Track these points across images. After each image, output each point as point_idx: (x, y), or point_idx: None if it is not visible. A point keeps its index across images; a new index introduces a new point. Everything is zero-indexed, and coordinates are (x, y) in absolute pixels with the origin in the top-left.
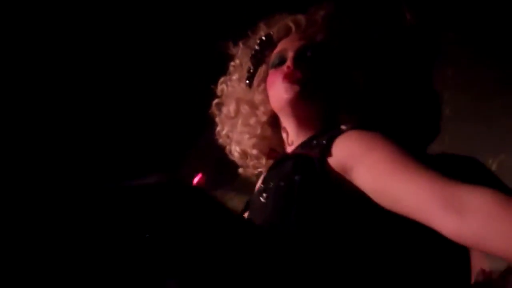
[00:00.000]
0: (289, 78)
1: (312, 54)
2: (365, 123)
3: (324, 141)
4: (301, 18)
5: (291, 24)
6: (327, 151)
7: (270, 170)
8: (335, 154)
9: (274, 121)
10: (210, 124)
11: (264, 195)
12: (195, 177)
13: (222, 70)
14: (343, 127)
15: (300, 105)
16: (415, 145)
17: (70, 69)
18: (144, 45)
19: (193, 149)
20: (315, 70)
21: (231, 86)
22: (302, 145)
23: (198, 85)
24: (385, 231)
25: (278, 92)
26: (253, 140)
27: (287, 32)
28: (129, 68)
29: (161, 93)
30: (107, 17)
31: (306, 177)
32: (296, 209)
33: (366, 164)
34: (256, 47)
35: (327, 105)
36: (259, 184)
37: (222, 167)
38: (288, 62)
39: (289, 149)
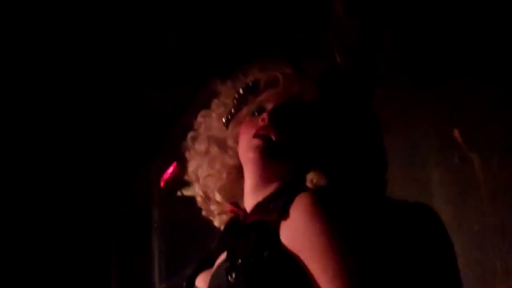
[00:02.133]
0: (260, 133)
1: (292, 114)
2: (332, 180)
3: (280, 204)
4: (290, 72)
5: (279, 76)
6: (284, 216)
7: (229, 234)
8: (287, 224)
9: (241, 169)
10: (183, 113)
11: (233, 274)
12: (169, 166)
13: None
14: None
15: (262, 164)
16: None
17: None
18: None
19: (166, 139)
20: (289, 131)
21: (208, 122)
22: (259, 205)
23: (171, 79)
24: None
25: (246, 144)
26: (218, 185)
27: (274, 83)
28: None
29: (133, 85)
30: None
31: (274, 252)
32: None
33: (306, 259)
34: (241, 91)
35: (294, 165)
36: (220, 256)
37: None
38: (265, 115)
39: (246, 203)
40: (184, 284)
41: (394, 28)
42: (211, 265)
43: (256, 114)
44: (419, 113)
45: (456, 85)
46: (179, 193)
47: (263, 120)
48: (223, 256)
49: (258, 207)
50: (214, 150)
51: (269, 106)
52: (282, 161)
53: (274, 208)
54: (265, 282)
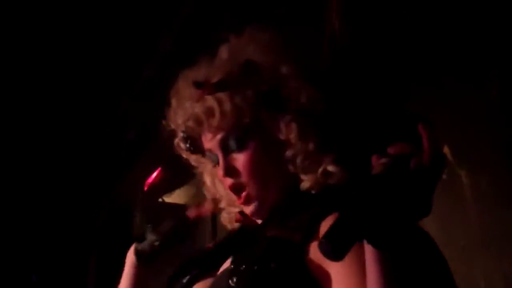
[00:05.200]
0: (236, 194)
1: (239, 150)
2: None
3: (305, 224)
4: (200, 117)
5: (195, 126)
6: (310, 237)
7: (236, 241)
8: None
9: None
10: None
11: (234, 278)
12: (153, 172)
13: None
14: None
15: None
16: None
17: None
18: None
19: (151, 145)
20: (249, 170)
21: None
22: (274, 217)
23: (156, 82)
24: None
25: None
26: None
27: (199, 127)
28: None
29: (120, 87)
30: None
31: (283, 266)
32: None
33: (336, 275)
34: (186, 147)
35: (283, 176)
36: (227, 263)
37: (181, 163)
38: (220, 171)
39: (252, 211)
40: None
41: (379, 38)
42: (213, 270)
43: (216, 165)
44: None
45: (448, 100)
46: (160, 200)
47: (223, 176)
48: (228, 262)
49: (273, 218)
50: (208, 180)
51: (219, 155)
52: (267, 189)
53: (297, 228)
54: None
